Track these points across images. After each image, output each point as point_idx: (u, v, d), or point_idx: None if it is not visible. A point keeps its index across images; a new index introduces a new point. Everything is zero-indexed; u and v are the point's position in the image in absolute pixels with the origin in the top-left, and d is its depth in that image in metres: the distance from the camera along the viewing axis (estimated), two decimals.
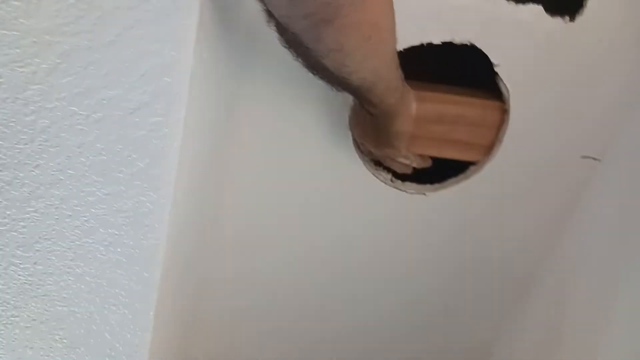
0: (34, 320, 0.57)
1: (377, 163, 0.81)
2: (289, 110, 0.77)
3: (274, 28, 0.49)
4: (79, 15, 0.43)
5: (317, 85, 0.57)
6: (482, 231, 0.89)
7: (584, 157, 0.81)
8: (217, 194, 0.83)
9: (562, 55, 0.73)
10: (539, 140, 0.80)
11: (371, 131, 0.71)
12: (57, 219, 0.53)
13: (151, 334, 0.59)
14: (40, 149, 0.49)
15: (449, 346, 1.03)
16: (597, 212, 0.81)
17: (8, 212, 0.51)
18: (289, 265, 0.92)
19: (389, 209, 0.86)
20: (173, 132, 0.51)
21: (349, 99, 0.74)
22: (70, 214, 0.53)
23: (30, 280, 0.55)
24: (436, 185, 0.84)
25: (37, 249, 0.54)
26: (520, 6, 0.69)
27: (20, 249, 0.53)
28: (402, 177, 0.83)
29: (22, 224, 0.52)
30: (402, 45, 0.68)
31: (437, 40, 0.70)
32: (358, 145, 0.78)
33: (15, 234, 0.53)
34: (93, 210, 0.53)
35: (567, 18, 0.70)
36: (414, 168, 0.77)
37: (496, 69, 0.73)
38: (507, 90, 0.74)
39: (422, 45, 0.71)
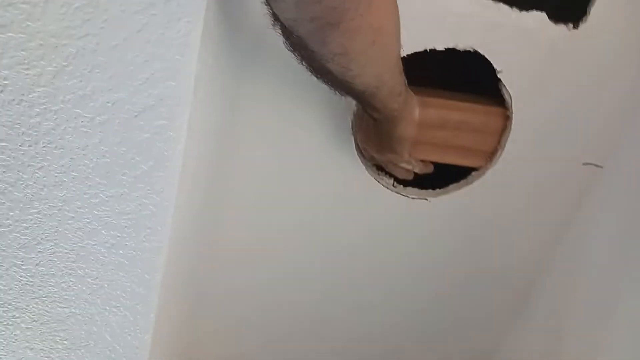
0: (35, 321, 0.58)
1: (380, 168, 0.81)
2: (293, 114, 0.77)
3: (279, 31, 0.49)
4: (85, 19, 0.44)
5: (321, 89, 0.57)
6: (484, 237, 0.90)
7: (586, 164, 0.82)
8: (219, 197, 0.83)
9: (565, 62, 0.74)
10: (541, 147, 0.80)
11: (374, 136, 0.72)
12: (60, 220, 0.53)
13: (151, 336, 0.60)
14: (44, 150, 0.49)
15: (450, 354, 1.03)
16: (599, 220, 0.81)
17: (11, 214, 0.52)
18: (291, 270, 0.92)
19: (391, 215, 0.87)
20: (177, 136, 0.51)
21: (352, 103, 0.74)
22: (72, 215, 0.53)
23: (31, 282, 0.55)
24: (438, 191, 0.85)
25: (39, 250, 0.54)
26: (524, 13, 0.70)
27: (23, 250, 0.54)
28: (404, 183, 0.84)
29: (24, 225, 0.53)
30: (405, 50, 0.69)
31: (440, 46, 0.71)
32: (360, 150, 0.79)
33: (18, 235, 0.53)
34: (96, 212, 0.54)
35: (571, 25, 0.71)
36: (416, 174, 0.78)
37: (499, 75, 0.74)
38: (510, 97, 0.75)
39: (425, 51, 0.71)
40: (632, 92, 0.75)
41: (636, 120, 0.76)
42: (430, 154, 0.76)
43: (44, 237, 0.54)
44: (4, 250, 0.53)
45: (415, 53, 0.70)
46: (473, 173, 0.82)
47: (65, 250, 0.55)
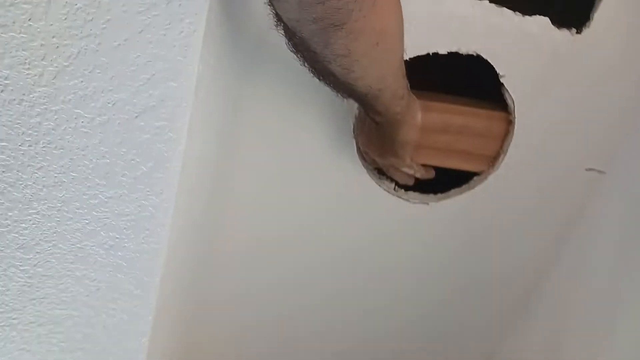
0: (32, 322, 0.58)
1: (381, 172, 0.82)
2: (294, 116, 0.77)
3: (282, 32, 0.50)
4: (88, 19, 0.44)
5: (323, 91, 0.58)
6: (485, 241, 0.90)
7: (589, 169, 0.82)
8: (220, 199, 0.83)
9: (568, 67, 0.74)
10: (544, 152, 0.81)
11: (376, 140, 0.72)
12: (59, 221, 0.54)
13: (149, 339, 0.60)
14: (44, 151, 0.49)
15: (451, 358, 1.03)
16: (601, 225, 0.81)
17: (10, 214, 0.52)
18: (292, 274, 0.93)
19: (392, 218, 0.87)
20: (177, 137, 0.51)
21: (354, 106, 0.75)
22: (71, 216, 0.53)
23: (29, 282, 0.55)
24: (439, 196, 0.85)
25: (37, 251, 0.54)
26: (527, 18, 0.70)
27: (21, 250, 0.54)
28: (406, 187, 0.84)
29: (23, 225, 0.53)
30: (408, 54, 0.69)
31: (443, 50, 0.71)
32: (362, 154, 0.79)
33: (17, 235, 0.53)
34: (95, 213, 0.54)
35: (574, 31, 0.71)
36: (417, 179, 0.78)
37: (502, 80, 0.74)
38: (513, 101, 0.75)
39: (428, 55, 0.72)
40: (634, 98, 0.76)
41: (638, 125, 0.76)
42: (432, 158, 0.76)
43: (42, 237, 0.54)
44: (2, 250, 0.53)
45: (418, 57, 0.71)
46: (475, 178, 0.82)
47: (64, 252, 0.55)
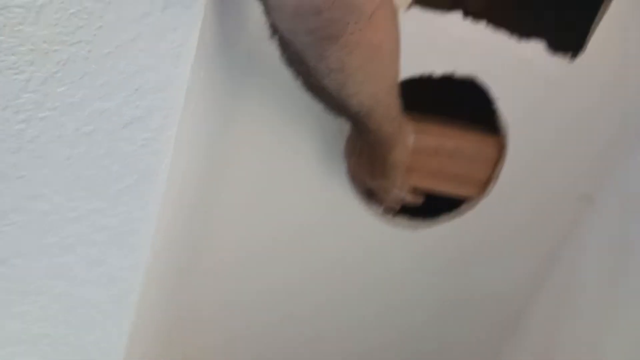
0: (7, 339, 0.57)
1: (370, 194, 0.83)
2: (285, 133, 0.78)
3: (277, 44, 0.51)
4: (79, 25, 0.44)
5: (315, 110, 0.59)
6: (474, 262, 0.91)
7: (580, 197, 0.84)
8: (208, 214, 0.83)
9: (561, 93, 0.76)
10: (535, 178, 0.82)
11: (367, 161, 0.73)
12: (37, 233, 0.53)
13: (124, 357, 0.59)
14: (26, 159, 0.49)
15: None
16: (590, 250, 0.83)
17: None
18: (278, 292, 0.93)
19: (380, 237, 0.88)
20: (164, 149, 0.51)
21: (345, 127, 0.76)
22: (50, 229, 0.53)
23: (6, 299, 0.55)
24: (428, 222, 0.86)
25: (13, 264, 0.54)
26: (523, 42, 0.73)
27: None
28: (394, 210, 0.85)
29: None
30: (402, 75, 0.71)
31: (438, 71, 0.73)
32: (352, 175, 0.80)
33: None
34: (75, 226, 0.53)
35: (568, 57, 0.74)
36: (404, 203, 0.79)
37: (495, 104, 0.76)
38: (506, 126, 0.77)
39: (421, 77, 0.73)
40: (625, 124, 0.78)
41: (630, 153, 0.78)
42: (423, 180, 0.77)
43: (19, 250, 0.53)
44: None
45: (411, 79, 0.72)
46: (465, 204, 0.83)
47: (41, 266, 0.54)
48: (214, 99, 0.65)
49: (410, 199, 0.79)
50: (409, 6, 0.69)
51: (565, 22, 0.74)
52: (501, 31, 0.72)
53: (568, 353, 0.80)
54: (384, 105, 0.58)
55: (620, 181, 0.79)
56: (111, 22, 0.45)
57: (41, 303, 0.55)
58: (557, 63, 0.73)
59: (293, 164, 0.81)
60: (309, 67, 0.49)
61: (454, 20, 0.71)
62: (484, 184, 0.80)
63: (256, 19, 0.49)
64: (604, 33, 0.72)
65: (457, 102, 0.78)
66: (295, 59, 0.50)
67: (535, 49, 0.73)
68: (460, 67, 0.73)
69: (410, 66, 0.71)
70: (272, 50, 0.52)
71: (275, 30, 0.48)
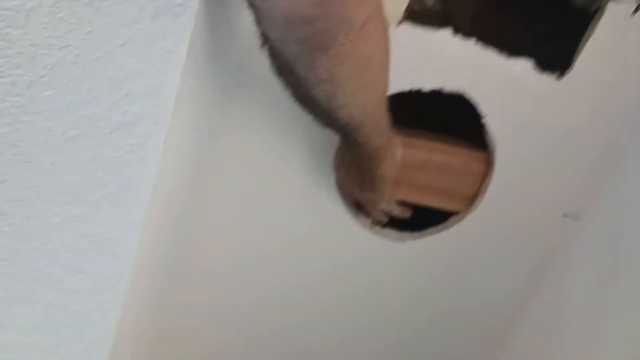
0: None
1: (358, 206, 0.83)
2: (274, 144, 0.78)
3: (267, 53, 0.51)
4: (68, 29, 0.44)
5: (304, 121, 0.59)
6: (461, 277, 0.91)
7: (565, 215, 0.85)
8: (195, 225, 0.83)
9: (549, 111, 0.77)
10: (521, 194, 0.83)
11: (355, 174, 0.73)
12: (18, 239, 0.53)
13: None
14: (9, 163, 0.49)
15: None
16: (577, 265, 0.84)
17: None
18: (267, 302, 0.93)
19: (368, 248, 0.88)
20: (151, 156, 0.51)
21: (334, 138, 0.76)
22: (32, 234, 0.53)
23: None
24: (415, 234, 0.86)
25: None
26: (511, 60, 0.74)
27: None
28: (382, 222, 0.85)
29: None
30: (392, 89, 0.71)
31: (427, 87, 0.74)
32: (340, 187, 0.80)
33: None
34: (57, 233, 0.53)
35: (556, 75, 0.75)
36: (392, 216, 0.80)
37: (484, 120, 0.77)
38: (493, 142, 0.78)
39: (410, 91, 0.74)
40: (611, 142, 0.79)
41: (616, 171, 0.79)
42: (411, 194, 0.78)
43: (0, 255, 0.53)
44: None
45: (400, 93, 0.73)
46: (452, 217, 0.84)
47: (22, 273, 0.54)
48: (204, 107, 0.65)
49: (398, 212, 0.79)
50: (400, 22, 0.70)
51: (553, 41, 0.76)
52: (490, 48, 0.73)
53: None
54: (373, 117, 0.58)
55: (607, 198, 0.80)
56: (101, 27, 0.45)
57: (23, 313, 0.54)
58: (545, 81, 0.74)
59: (282, 174, 0.81)
60: (299, 77, 0.49)
61: (444, 37, 0.72)
62: (471, 199, 0.81)
63: (247, 27, 0.49)
64: (591, 51, 0.73)
65: (445, 118, 0.79)
66: (285, 69, 0.50)
67: (523, 67, 0.74)
68: (450, 83, 0.74)
69: (400, 81, 0.71)
70: (262, 60, 0.52)
71: (265, 39, 0.48)
